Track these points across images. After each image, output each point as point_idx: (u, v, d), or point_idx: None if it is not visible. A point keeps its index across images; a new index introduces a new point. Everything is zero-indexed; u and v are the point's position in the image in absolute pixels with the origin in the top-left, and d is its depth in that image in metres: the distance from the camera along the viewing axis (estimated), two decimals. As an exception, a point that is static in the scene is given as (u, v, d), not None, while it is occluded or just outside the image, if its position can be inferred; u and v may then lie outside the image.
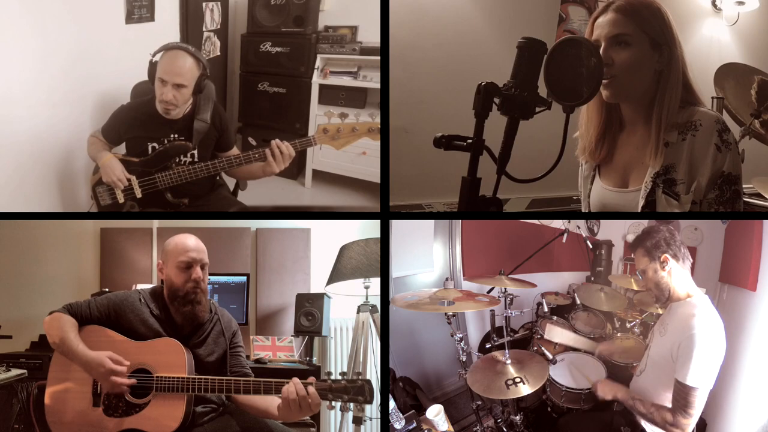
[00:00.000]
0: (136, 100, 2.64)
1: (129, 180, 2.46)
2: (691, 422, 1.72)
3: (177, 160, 2.51)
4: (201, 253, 1.95)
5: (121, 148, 2.64)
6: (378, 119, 2.48)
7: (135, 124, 2.53)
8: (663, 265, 1.81)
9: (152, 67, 2.46)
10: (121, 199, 2.49)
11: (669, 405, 1.79)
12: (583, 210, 2.01)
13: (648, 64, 1.66)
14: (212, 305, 2.03)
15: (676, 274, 1.82)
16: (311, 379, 1.79)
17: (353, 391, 1.79)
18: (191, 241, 1.95)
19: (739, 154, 1.70)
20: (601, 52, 1.63)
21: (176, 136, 2.51)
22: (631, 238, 3.30)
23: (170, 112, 2.46)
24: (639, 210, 1.74)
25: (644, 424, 1.87)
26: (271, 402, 1.82)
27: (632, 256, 1.92)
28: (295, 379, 1.77)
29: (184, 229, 2.04)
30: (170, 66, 2.40)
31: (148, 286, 2.29)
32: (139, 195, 2.48)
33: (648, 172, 1.71)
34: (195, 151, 2.54)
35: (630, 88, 1.68)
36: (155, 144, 2.51)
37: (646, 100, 1.71)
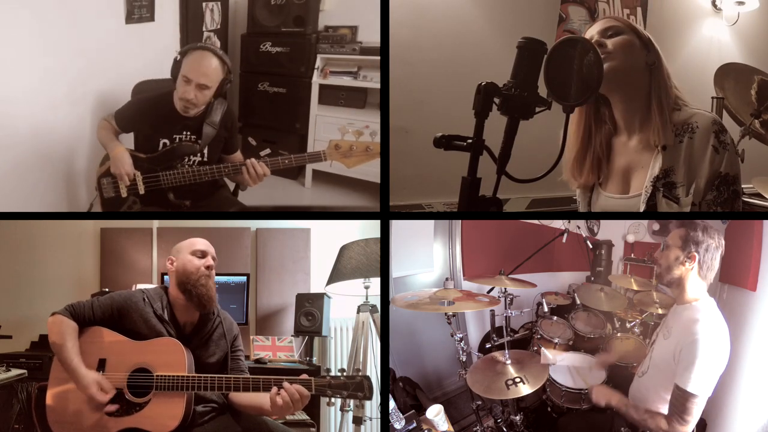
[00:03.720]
0: (155, 93, 2.62)
1: (134, 175, 2.46)
2: (687, 429, 1.70)
3: (184, 160, 2.50)
4: (212, 250, 2.02)
5: (129, 141, 2.63)
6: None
7: (150, 116, 2.52)
8: (687, 261, 1.79)
9: (176, 64, 2.44)
10: (124, 193, 2.48)
11: (666, 408, 1.79)
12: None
13: (639, 53, 1.70)
14: (215, 307, 2.03)
15: (692, 277, 1.80)
16: (303, 376, 1.81)
17: (352, 387, 1.80)
18: (203, 240, 2.03)
19: (737, 154, 1.70)
20: (594, 40, 1.69)
21: (188, 133, 2.51)
22: (631, 238, 3.30)
23: (189, 110, 2.47)
24: None
25: None
26: (264, 399, 1.83)
27: (665, 230, 1.89)
28: (284, 385, 1.78)
29: (184, 229, 2.06)
30: (197, 65, 2.39)
31: (149, 286, 2.29)
32: (142, 191, 2.47)
33: (647, 176, 1.71)
34: (204, 152, 2.54)
35: (623, 72, 1.68)
36: (166, 140, 2.50)
37: (640, 96, 1.72)
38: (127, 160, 2.45)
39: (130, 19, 3.02)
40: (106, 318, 1.89)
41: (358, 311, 2.76)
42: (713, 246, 1.79)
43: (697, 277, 1.80)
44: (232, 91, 4.28)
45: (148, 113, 2.53)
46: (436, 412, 2.21)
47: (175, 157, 2.49)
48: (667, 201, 1.68)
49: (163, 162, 2.48)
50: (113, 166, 2.45)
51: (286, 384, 1.78)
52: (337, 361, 3.32)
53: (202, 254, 1.98)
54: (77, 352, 1.82)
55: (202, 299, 1.93)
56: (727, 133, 1.66)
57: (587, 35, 1.74)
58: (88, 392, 1.79)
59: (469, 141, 1.50)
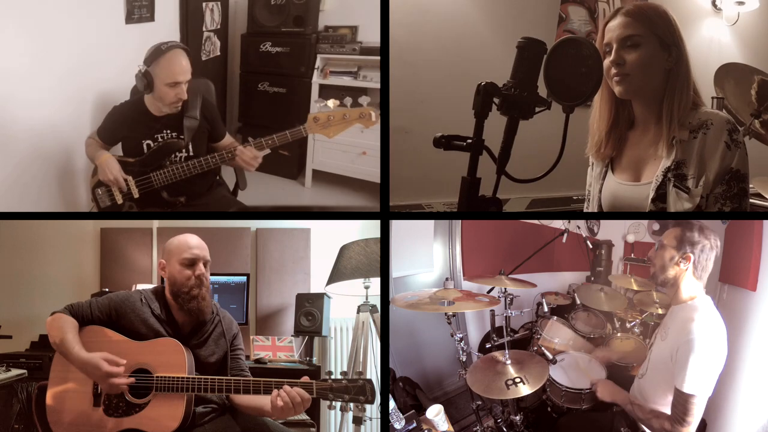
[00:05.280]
0: (127, 101, 2.65)
1: (126, 180, 2.47)
2: (689, 430, 1.71)
3: (171, 157, 2.51)
4: (203, 251, 1.96)
5: (118, 150, 2.64)
6: (369, 105, 2.48)
7: (127, 123, 2.55)
8: (682, 261, 1.79)
9: (146, 76, 2.43)
10: (119, 200, 2.50)
11: (669, 409, 1.79)
12: (590, 208, 2.01)
13: (658, 63, 1.70)
14: (214, 306, 2.03)
15: (687, 277, 1.80)
16: (304, 378, 1.80)
17: (354, 390, 1.79)
18: (194, 240, 1.97)
19: (747, 154, 1.71)
20: (613, 53, 1.71)
21: (169, 131, 2.52)
22: (631, 238, 3.30)
23: (179, 106, 2.49)
24: (649, 202, 1.75)
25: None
26: (265, 400, 1.83)
27: (664, 229, 1.89)
28: (285, 388, 1.78)
29: (184, 229, 2.04)
30: (174, 67, 2.41)
31: (149, 286, 2.29)
32: (136, 195, 2.49)
33: (660, 166, 1.73)
34: (189, 146, 2.55)
35: (642, 86, 1.72)
36: (149, 141, 2.52)
37: (657, 98, 1.75)
38: (115, 165, 2.46)
39: (130, 19, 3.02)
40: (104, 318, 1.89)
41: (358, 311, 2.76)
42: (708, 246, 1.79)
43: (692, 277, 1.80)
44: (232, 90, 4.31)
45: (126, 121, 2.55)
46: (436, 412, 2.21)
47: (162, 156, 2.50)
48: (677, 191, 1.70)
49: (151, 163, 2.49)
50: (101, 174, 2.47)
51: (286, 387, 1.77)
52: (337, 361, 3.32)
53: (191, 263, 1.92)
54: (78, 341, 1.81)
55: (192, 312, 1.91)
56: (740, 133, 1.69)
57: (606, 37, 1.74)
58: (100, 371, 1.77)
59: (469, 141, 1.50)
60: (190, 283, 1.91)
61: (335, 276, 2.73)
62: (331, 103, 2.47)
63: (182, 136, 2.52)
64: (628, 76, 1.70)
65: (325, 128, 2.48)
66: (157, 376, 1.82)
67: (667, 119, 1.71)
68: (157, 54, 2.42)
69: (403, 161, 3.12)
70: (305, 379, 1.81)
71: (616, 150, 1.88)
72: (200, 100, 2.59)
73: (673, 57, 1.71)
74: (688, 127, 1.70)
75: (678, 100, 1.71)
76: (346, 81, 3.83)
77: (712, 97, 2.83)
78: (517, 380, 2.14)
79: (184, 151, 2.54)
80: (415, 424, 2.15)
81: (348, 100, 2.48)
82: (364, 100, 2.49)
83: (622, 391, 1.97)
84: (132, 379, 1.81)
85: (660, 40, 1.70)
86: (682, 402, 1.70)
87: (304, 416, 2.57)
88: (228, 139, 2.74)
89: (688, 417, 1.69)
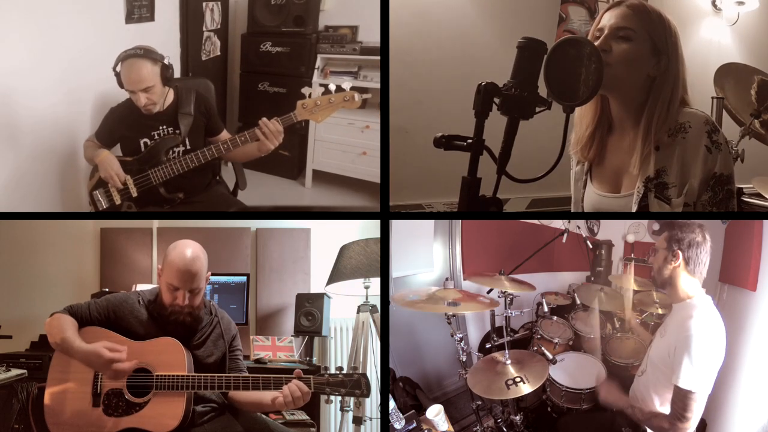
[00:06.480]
0: (121, 102, 2.65)
1: (125, 179, 2.47)
2: (689, 426, 1.72)
3: (169, 153, 2.52)
4: (192, 278, 1.87)
5: (117, 152, 2.63)
6: (351, 88, 2.55)
7: (124, 123, 2.56)
8: (672, 260, 1.81)
9: (118, 76, 2.46)
10: (117, 200, 2.50)
11: (668, 407, 1.79)
12: (575, 209, 2.01)
13: (643, 65, 1.67)
14: (212, 307, 2.03)
15: (683, 275, 1.81)
16: (297, 371, 1.82)
17: (350, 384, 1.82)
18: (184, 263, 1.87)
19: (730, 153, 1.70)
20: (601, 39, 1.67)
21: (165, 127, 2.53)
22: (631, 238, 3.30)
23: (152, 110, 2.49)
24: None
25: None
26: (263, 394, 1.85)
27: (665, 229, 1.91)
28: (294, 383, 1.80)
29: (184, 229, 2.04)
30: (129, 76, 2.41)
31: (148, 286, 2.29)
32: (134, 194, 2.49)
33: (638, 177, 1.71)
34: (186, 141, 2.56)
35: (620, 81, 1.67)
36: (146, 139, 2.53)
37: (635, 103, 1.71)
38: (114, 162, 2.48)
39: (130, 19, 3.02)
40: (103, 319, 1.90)
41: (358, 311, 2.76)
42: (696, 240, 1.80)
43: (686, 274, 1.81)
44: (232, 91, 4.30)
45: (123, 120, 2.56)
46: (436, 412, 2.21)
47: (159, 153, 2.51)
48: (659, 202, 1.68)
49: (149, 161, 2.50)
50: (102, 170, 2.48)
51: (290, 384, 1.80)
52: (337, 361, 3.32)
53: (175, 288, 1.87)
54: (78, 337, 1.82)
55: (169, 335, 1.90)
56: (720, 132, 1.65)
57: (601, 23, 1.71)
58: (102, 359, 1.77)
59: (469, 141, 1.50)
60: (171, 309, 1.90)
61: (335, 276, 2.73)
62: (318, 90, 2.50)
63: (178, 131, 2.53)
64: (608, 66, 1.63)
65: (313, 113, 2.51)
66: (157, 375, 1.82)
67: (644, 132, 1.67)
68: (118, 60, 2.44)
69: (403, 161, 3.12)
70: (298, 372, 1.82)
71: (599, 154, 1.85)
72: (194, 95, 2.60)
73: (661, 65, 1.67)
74: (667, 131, 1.66)
75: (658, 113, 1.66)
76: (346, 81, 3.82)
77: (712, 97, 2.83)
78: (518, 380, 2.14)
79: (181, 145, 2.54)
80: (415, 424, 2.15)
81: (332, 87, 2.49)
82: (347, 85, 2.52)
83: (623, 397, 1.98)
84: (135, 362, 1.81)
85: (653, 43, 1.67)
86: (680, 398, 1.71)
87: (304, 416, 2.58)
88: (226, 135, 2.75)
89: (686, 413, 1.70)
